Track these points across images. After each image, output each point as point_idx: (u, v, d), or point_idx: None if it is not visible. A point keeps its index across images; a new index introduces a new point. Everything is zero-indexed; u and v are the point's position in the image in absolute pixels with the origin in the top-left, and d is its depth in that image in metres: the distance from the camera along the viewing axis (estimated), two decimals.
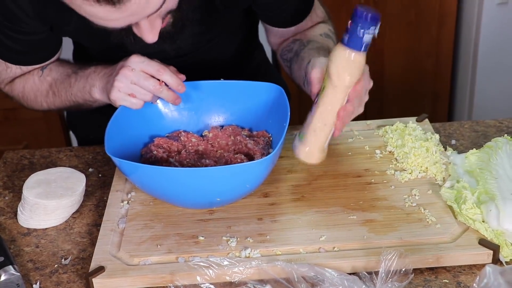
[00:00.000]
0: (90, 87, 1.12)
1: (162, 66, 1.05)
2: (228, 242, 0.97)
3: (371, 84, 1.01)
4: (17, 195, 1.15)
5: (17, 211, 1.09)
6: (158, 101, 1.13)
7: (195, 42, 1.15)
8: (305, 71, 1.06)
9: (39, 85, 1.20)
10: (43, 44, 1.17)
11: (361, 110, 1.01)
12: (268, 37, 1.29)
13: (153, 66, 1.04)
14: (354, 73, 0.94)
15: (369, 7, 0.91)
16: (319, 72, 0.99)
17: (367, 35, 0.90)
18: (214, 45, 1.24)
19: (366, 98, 1.01)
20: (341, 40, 0.93)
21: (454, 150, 1.15)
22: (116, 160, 0.97)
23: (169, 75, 1.05)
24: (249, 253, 0.95)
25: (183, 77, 1.07)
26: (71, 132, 2.61)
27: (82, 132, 1.47)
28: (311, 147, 1.00)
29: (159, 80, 1.05)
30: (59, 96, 1.18)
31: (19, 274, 0.93)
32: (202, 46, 1.22)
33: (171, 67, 1.07)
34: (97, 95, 1.11)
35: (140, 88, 1.04)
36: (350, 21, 0.91)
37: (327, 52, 1.10)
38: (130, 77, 1.03)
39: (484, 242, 0.93)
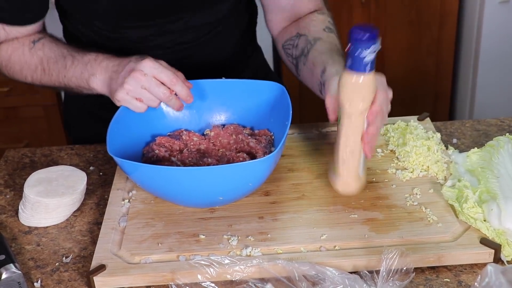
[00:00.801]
0: (88, 76, 1.10)
1: (174, 75, 1.04)
2: (229, 241, 0.97)
3: (391, 93, 0.99)
4: (18, 193, 1.15)
5: (18, 209, 1.09)
6: None
7: None
8: (321, 81, 1.05)
9: (29, 58, 1.17)
10: (29, 3, 1.14)
11: (385, 121, 0.98)
12: (267, 18, 1.26)
13: (167, 75, 1.03)
14: (365, 96, 0.92)
15: (365, 23, 0.88)
16: (332, 100, 0.97)
17: (369, 55, 0.88)
18: (214, 37, 1.23)
19: (388, 109, 0.99)
20: (345, 65, 0.91)
21: (455, 149, 1.15)
22: (117, 160, 0.97)
23: (180, 86, 1.04)
24: (250, 252, 0.95)
25: (190, 85, 1.07)
26: None
27: (78, 133, 1.46)
28: (345, 177, 0.99)
29: (169, 88, 1.04)
30: (49, 75, 1.16)
31: (20, 272, 0.93)
32: (203, 36, 1.20)
33: (179, 74, 1.06)
34: (95, 86, 1.10)
35: (149, 94, 1.03)
36: (349, 44, 0.88)
37: (340, 54, 1.08)
38: (142, 82, 1.02)
39: (485, 241, 0.93)
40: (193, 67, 1.15)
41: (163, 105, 1.14)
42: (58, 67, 1.14)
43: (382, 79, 0.97)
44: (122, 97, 1.04)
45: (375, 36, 0.88)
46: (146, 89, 1.03)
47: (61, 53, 1.15)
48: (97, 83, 1.09)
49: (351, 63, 0.89)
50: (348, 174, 0.99)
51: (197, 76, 1.13)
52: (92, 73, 1.10)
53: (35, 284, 0.94)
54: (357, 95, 0.91)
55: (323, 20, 1.20)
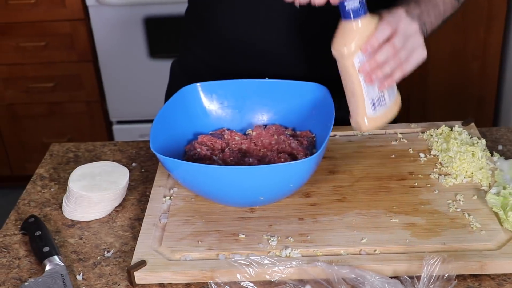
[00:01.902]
0: None
1: None
2: (269, 241, 0.97)
3: (413, 27, 0.97)
4: (63, 187, 1.17)
5: (62, 203, 1.11)
6: (203, 97, 1.14)
7: None
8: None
9: None
10: None
11: (405, 59, 0.96)
12: None
13: None
14: (347, 42, 0.95)
15: None
16: None
17: (349, 2, 0.92)
18: None
19: (412, 45, 0.97)
20: None
21: (501, 155, 1.13)
22: (160, 157, 0.98)
23: None
24: (289, 253, 0.94)
25: None
26: (113, 127, 2.66)
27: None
28: (354, 116, 1.02)
29: None
30: None
31: (63, 264, 0.95)
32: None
33: None
34: None
35: None
36: None
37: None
38: None
39: None
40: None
41: (205, 103, 1.16)
42: None
43: (396, 15, 0.96)
44: None
45: None
46: None
47: None
48: None
49: (340, 10, 0.95)
50: (356, 113, 1.01)
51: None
52: None
53: (77, 277, 0.96)
54: (340, 40, 0.96)
55: None
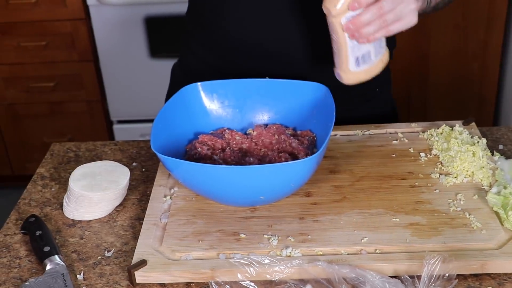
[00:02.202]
0: None
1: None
2: (269, 241, 0.97)
3: None
4: (63, 186, 1.17)
5: (63, 202, 1.11)
6: (204, 97, 1.14)
7: None
8: None
9: None
10: None
11: (393, 22, 0.97)
12: None
13: None
14: (336, 3, 0.96)
15: None
16: None
17: None
18: None
19: (400, 10, 0.96)
20: None
21: (501, 155, 1.13)
22: (160, 156, 0.98)
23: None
24: (290, 252, 0.94)
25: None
26: (114, 127, 2.66)
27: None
28: (337, 68, 1.04)
29: None
30: None
31: (64, 264, 0.95)
32: None
33: None
34: None
35: None
36: None
37: None
38: None
39: None
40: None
41: (206, 103, 1.16)
42: None
43: None
44: None
45: None
46: None
47: None
48: None
49: None
50: (340, 67, 1.03)
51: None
52: None
53: (77, 276, 0.96)
54: (326, 1, 0.98)
55: None
